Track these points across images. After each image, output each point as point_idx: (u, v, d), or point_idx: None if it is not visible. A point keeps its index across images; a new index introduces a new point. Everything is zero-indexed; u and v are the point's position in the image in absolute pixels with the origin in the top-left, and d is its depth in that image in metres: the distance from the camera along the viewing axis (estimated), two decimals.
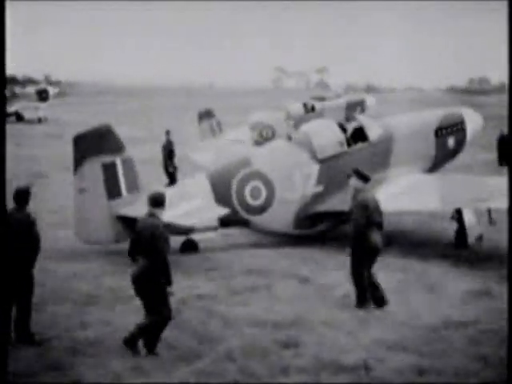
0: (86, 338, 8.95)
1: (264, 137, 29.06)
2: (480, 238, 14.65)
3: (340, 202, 14.85)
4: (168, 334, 8.75)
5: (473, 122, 17.35)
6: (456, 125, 17.02)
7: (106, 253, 13.73)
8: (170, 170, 22.14)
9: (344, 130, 15.71)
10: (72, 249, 13.97)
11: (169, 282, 8.51)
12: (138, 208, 13.19)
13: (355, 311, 10.24)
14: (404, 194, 14.60)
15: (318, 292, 11.22)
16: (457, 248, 14.47)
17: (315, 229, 15.16)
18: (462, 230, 14.65)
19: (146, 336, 8.59)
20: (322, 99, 37.09)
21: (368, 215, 10.23)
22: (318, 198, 15.06)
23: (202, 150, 22.56)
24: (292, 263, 13.13)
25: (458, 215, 14.69)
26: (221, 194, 14.37)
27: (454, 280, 12.01)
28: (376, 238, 10.30)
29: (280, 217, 14.80)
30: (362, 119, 16.34)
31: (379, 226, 10.35)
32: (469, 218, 14.61)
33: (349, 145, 15.54)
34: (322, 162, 15.15)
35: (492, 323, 9.61)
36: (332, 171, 15.15)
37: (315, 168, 15.11)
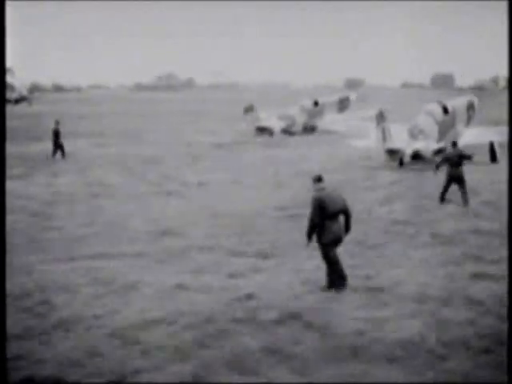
0: None
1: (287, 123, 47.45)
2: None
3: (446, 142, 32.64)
4: None
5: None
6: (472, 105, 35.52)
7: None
8: None
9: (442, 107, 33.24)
10: None
11: None
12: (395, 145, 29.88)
13: None
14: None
15: None
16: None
17: None
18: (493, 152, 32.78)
19: None
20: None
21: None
22: (438, 141, 32.53)
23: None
24: None
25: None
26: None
27: None
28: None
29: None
30: (445, 102, 33.88)
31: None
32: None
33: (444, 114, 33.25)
34: (438, 124, 32.62)
35: None
36: (442, 128, 32.69)
37: (436, 127, 32.54)
